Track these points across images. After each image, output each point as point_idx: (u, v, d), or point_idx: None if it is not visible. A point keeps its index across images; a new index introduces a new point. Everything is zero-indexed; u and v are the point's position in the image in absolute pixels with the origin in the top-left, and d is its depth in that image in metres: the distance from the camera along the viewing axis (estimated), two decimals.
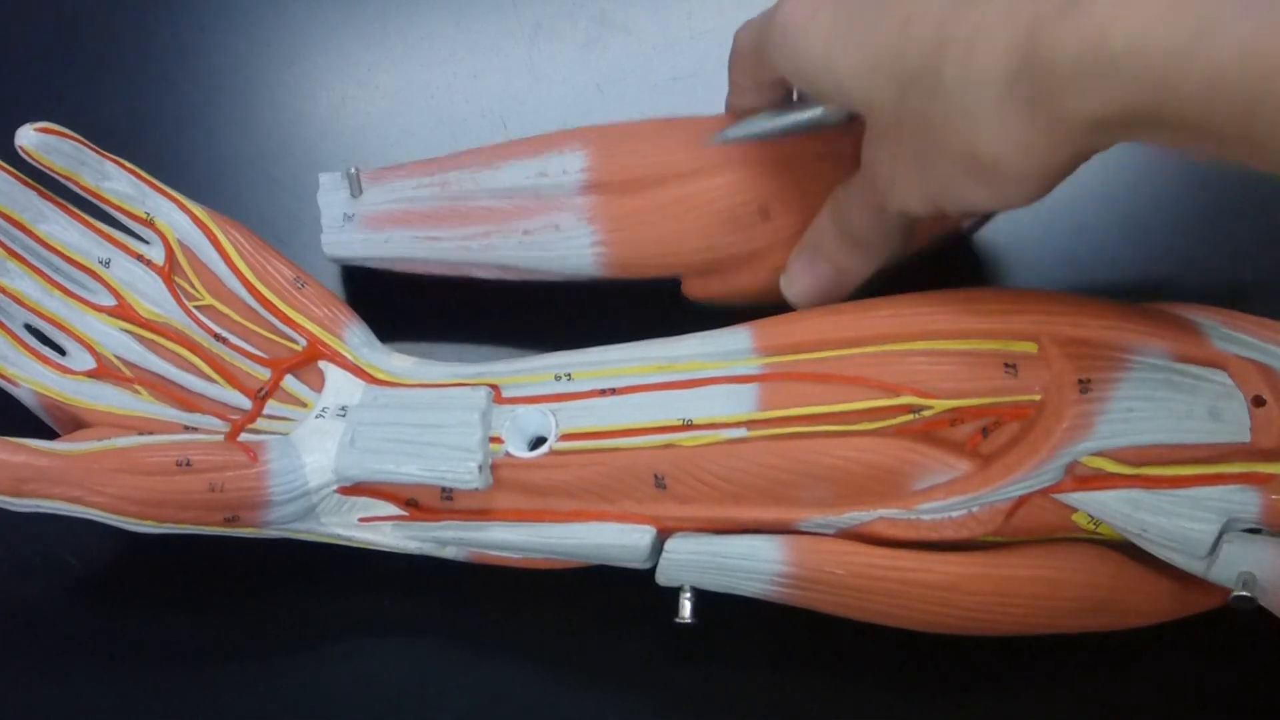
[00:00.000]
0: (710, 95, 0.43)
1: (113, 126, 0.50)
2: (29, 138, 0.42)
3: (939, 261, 0.48)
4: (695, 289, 0.44)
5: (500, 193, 0.43)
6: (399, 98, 0.52)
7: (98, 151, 0.43)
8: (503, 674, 0.41)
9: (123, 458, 0.38)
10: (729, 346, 0.40)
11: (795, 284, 0.41)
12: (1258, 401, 0.37)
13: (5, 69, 0.53)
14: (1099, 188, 0.48)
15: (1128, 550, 0.38)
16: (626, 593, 0.40)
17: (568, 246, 0.42)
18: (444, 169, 0.44)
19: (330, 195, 0.44)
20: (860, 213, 0.39)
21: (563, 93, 0.51)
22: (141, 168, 0.44)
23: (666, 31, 0.52)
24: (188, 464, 0.38)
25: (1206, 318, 0.39)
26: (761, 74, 0.41)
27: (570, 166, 0.43)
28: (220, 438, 0.40)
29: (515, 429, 0.40)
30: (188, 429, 0.41)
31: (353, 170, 0.44)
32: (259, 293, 0.43)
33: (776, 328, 0.40)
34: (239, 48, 0.53)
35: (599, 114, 0.50)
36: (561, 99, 0.51)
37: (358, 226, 0.44)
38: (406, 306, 0.46)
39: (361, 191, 0.44)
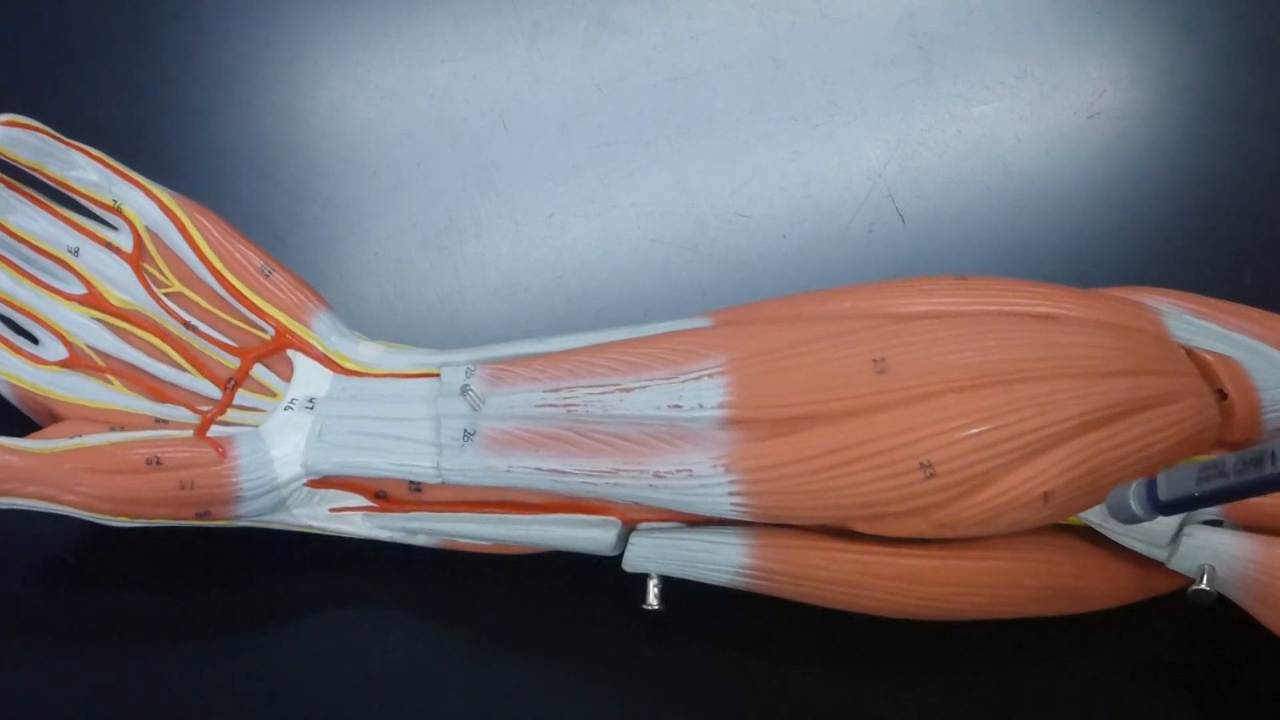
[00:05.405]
0: (710, 95, 0.43)
1: (113, 126, 0.50)
2: None
3: (930, 257, 0.48)
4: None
5: (630, 421, 0.38)
6: (399, 98, 0.52)
7: (63, 141, 0.43)
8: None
9: (94, 456, 0.39)
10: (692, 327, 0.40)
11: None
12: (1219, 395, 0.37)
13: (4, 69, 0.52)
14: (1099, 188, 0.48)
15: (1090, 535, 0.38)
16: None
17: (703, 494, 0.37)
18: (571, 378, 0.39)
19: (450, 404, 0.40)
20: None
21: (563, 93, 0.51)
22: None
23: (666, 31, 0.52)
24: (158, 462, 0.39)
25: (1169, 303, 0.39)
26: None
27: (707, 400, 0.37)
28: (190, 432, 0.40)
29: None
30: (159, 421, 0.42)
31: (471, 378, 0.40)
32: (226, 280, 0.42)
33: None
34: (239, 48, 0.53)
35: (599, 114, 0.50)
36: (561, 99, 0.51)
37: (478, 449, 0.39)
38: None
39: (483, 404, 0.39)
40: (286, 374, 0.42)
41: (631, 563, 0.39)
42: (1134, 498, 0.33)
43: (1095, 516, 0.37)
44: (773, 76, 0.51)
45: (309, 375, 0.42)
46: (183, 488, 0.39)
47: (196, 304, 0.43)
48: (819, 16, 0.52)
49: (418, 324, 0.47)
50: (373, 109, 0.51)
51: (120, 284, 0.43)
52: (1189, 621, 0.40)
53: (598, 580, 0.41)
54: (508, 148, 0.50)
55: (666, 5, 0.53)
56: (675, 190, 0.49)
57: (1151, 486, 0.32)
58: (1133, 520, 0.33)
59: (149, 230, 0.43)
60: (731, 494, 0.37)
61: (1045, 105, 0.50)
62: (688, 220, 0.49)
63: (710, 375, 0.38)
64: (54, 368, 0.42)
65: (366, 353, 0.42)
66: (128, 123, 0.51)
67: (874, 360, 0.37)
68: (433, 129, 0.51)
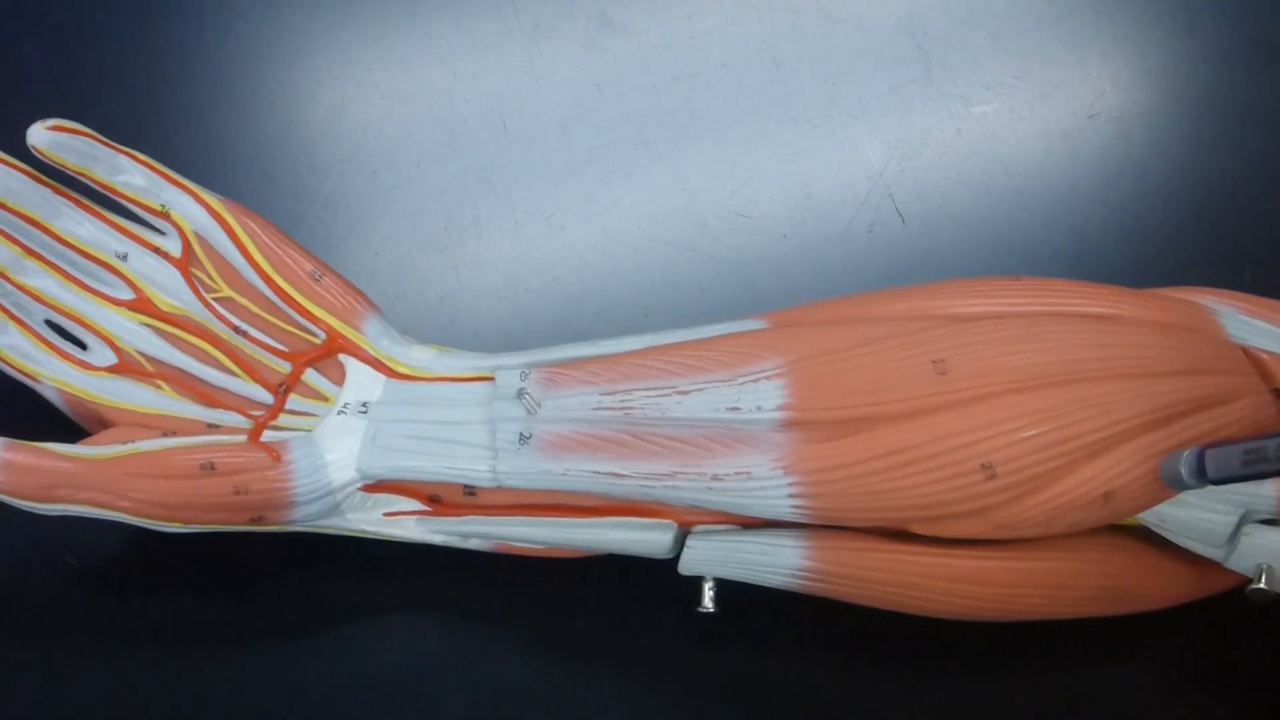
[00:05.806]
0: (710, 95, 0.43)
1: (113, 126, 0.50)
2: (40, 136, 0.41)
3: (930, 257, 0.48)
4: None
5: (687, 423, 0.38)
6: (398, 98, 0.51)
7: (110, 145, 0.43)
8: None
9: (147, 462, 0.39)
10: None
11: None
12: (1277, 394, 0.37)
13: (6, 69, 0.52)
14: (1099, 188, 0.48)
15: (1146, 535, 0.38)
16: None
17: (761, 495, 0.37)
18: (627, 380, 0.39)
19: (505, 408, 0.39)
20: None
21: (563, 93, 0.51)
22: None
23: (666, 31, 0.52)
24: (212, 467, 0.39)
25: (1224, 303, 0.39)
26: None
27: (766, 403, 0.37)
28: (243, 437, 0.40)
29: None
30: (210, 426, 0.41)
31: (526, 381, 0.39)
32: (276, 284, 0.42)
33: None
34: (239, 48, 0.53)
35: (599, 114, 0.50)
36: (561, 99, 0.51)
37: (535, 452, 0.39)
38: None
39: (539, 407, 0.39)
40: (338, 378, 0.42)
41: (688, 565, 0.39)
42: (1184, 466, 0.34)
43: (1152, 517, 0.37)
44: (773, 76, 0.51)
45: (361, 379, 0.41)
46: (237, 493, 0.39)
47: (246, 309, 0.43)
48: (819, 16, 0.52)
49: (418, 324, 0.47)
50: (373, 109, 0.51)
51: (169, 289, 0.43)
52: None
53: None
54: (508, 148, 0.50)
55: (666, 5, 0.53)
56: (675, 190, 0.49)
57: (1200, 459, 0.34)
58: (1182, 487, 0.34)
59: (197, 235, 0.43)
60: (791, 496, 0.37)
61: (1045, 105, 0.50)
62: (688, 220, 0.49)
63: (768, 377, 0.38)
64: (103, 373, 0.42)
65: (418, 357, 0.42)
66: (128, 123, 0.51)
67: (934, 361, 0.36)
68: (433, 129, 0.51)
